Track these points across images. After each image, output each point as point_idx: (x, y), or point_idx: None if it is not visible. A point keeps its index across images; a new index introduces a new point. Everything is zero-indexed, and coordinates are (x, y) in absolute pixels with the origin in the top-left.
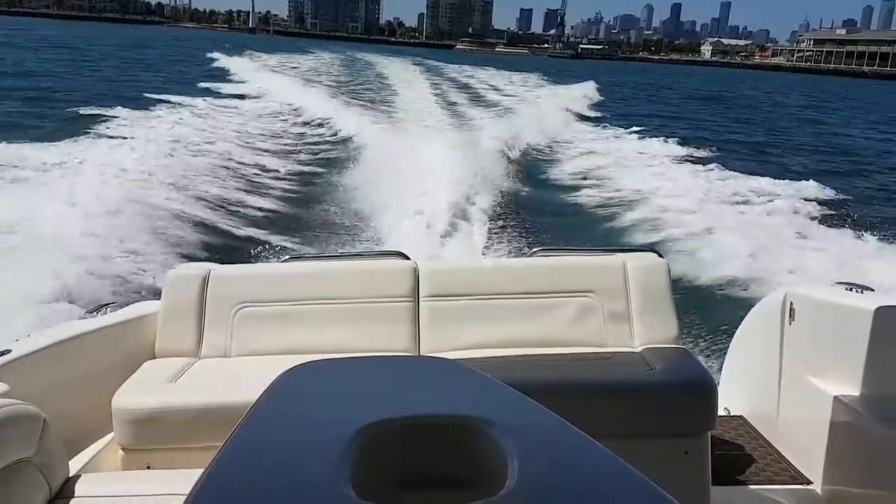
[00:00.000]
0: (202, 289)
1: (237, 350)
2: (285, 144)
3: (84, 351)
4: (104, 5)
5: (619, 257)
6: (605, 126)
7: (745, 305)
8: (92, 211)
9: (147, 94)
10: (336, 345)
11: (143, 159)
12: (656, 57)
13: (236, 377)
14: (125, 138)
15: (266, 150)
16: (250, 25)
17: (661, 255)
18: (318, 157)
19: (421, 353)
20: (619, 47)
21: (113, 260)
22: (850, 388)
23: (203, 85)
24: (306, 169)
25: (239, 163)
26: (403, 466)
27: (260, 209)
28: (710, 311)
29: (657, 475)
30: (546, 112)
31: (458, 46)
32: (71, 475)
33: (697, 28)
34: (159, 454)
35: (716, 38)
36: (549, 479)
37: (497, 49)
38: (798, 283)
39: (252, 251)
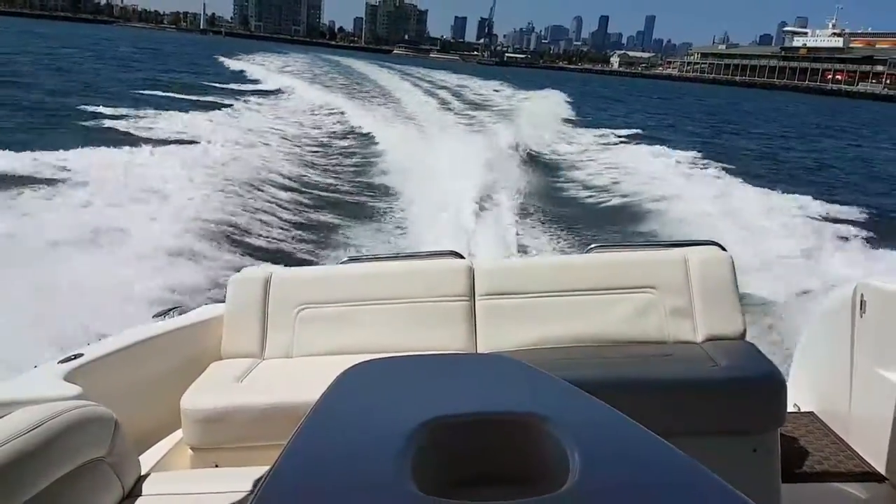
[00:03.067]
0: (265, 291)
1: (299, 350)
2: (326, 150)
3: (153, 353)
4: (55, 4)
5: (679, 251)
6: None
7: (814, 300)
8: (156, 216)
9: (177, 99)
10: (394, 344)
11: (196, 166)
12: (572, 66)
13: (299, 377)
14: (181, 142)
15: (311, 157)
16: (201, 27)
17: (723, 248)
18: (357, 162)
19: (478, 352)
20: (541, 57)
21: (177, 265)
22: None
23: (232, 87)
24: (350, 175)
25: (287, 170)
26: (465, 463)
27: (315, 214)
28: (777, 305)
29: (725, 473)
30: (536, 116)
31: (395, 51)
32: (142, 474)
33: (624, 40)
34: (227, 453)
35: (623, 52)
36: (612, 474)
37: (431, 55)
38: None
39: (311, 254)
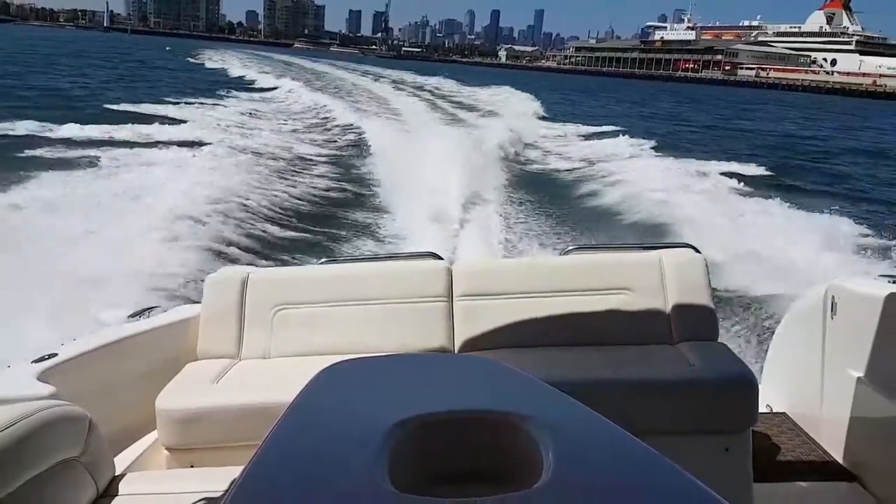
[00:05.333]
0: (241, 292)
1: (276, 351)
2: (309, 150)
3: (128, 353)
4: None
5: (655, 254)
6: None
7: (784, 300)
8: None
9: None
10: (372, 345)
11: (181, 166)
12: (465, 59)
13: (276, 377)
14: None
15: (293, 156)
16: (105, 24)
17: (697, 251)
18: (339, 161)
19: (456, 352)
20: (435, 50)
21: (154, 265)
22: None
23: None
24: (331, 174)
25: (270, 168)
26: (440, 461)
27: (294, 213)
28: (749, 306)
29: (697, 472)
30: (513, 114)
31: (296, 45)
32: (117, 474)
33: (515, 34)
34: (202, 453)
35: (509, 46)
36: (585, 472)
37: (331, 49)
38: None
39: (289, 254)
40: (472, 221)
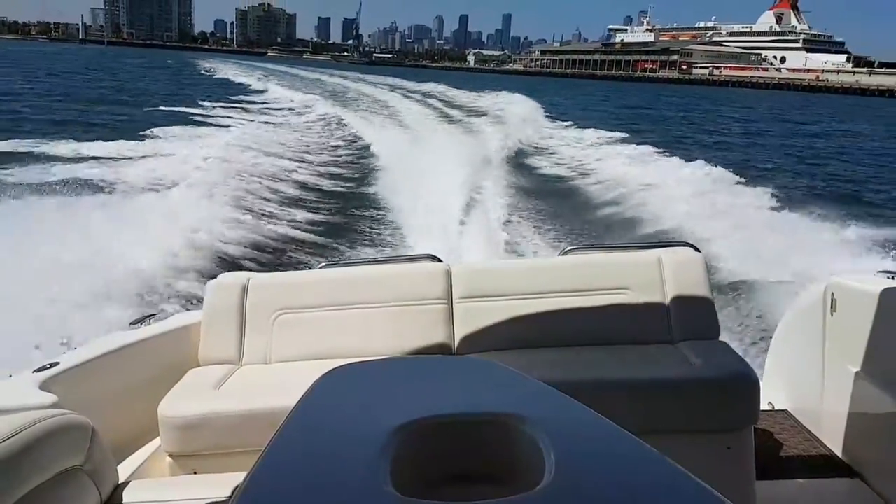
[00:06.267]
0: (242, 297)
1: (277, 356)
2: (308, 155)
3: (129, 361)
4: None
5: (653, 253)
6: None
7: (784, 298)
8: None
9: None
10: (373, 348)
11: (179, 172)
12: (434, 64)
13: (277, 382)
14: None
15: (292, 161)
16: (80, 37)
17: (697, 249)
18: (340, 165)
19: (456, 354)
20: (406, 56)
21: (155, 272)
22: None
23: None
24: (330, 179)
25: (268, 175)
26: (442, 464)
27: (294, 219)
28: (750, 304)
29: (700, 471)
30: (513, 115)
31: (269, 53)
32: (120, 482)
33: (484, 38)
34: (205, 459)
35: (477, 50)
36: (587, 473)
37: (304, 56)
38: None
39: (289, 259)
40: (471, 223)
